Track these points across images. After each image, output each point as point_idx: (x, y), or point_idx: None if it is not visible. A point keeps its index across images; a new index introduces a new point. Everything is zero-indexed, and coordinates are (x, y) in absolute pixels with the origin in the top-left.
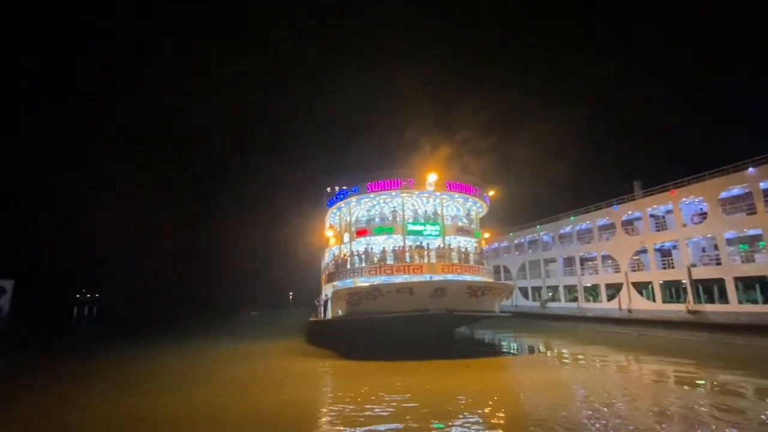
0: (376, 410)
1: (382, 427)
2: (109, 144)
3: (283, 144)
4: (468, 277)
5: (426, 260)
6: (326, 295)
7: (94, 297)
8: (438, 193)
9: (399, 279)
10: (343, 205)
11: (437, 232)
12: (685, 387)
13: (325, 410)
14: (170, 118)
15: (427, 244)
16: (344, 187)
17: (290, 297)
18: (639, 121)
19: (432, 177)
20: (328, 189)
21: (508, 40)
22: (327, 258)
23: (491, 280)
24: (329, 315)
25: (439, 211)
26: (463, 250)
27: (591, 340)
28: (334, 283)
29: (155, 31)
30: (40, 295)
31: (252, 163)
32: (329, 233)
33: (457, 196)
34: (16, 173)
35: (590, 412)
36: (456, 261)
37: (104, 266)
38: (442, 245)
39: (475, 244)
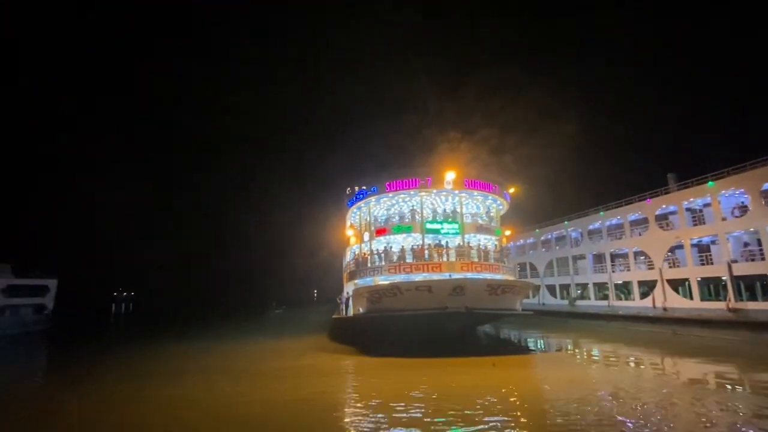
0: (398, 408)
1: (403, 417)
2: (144, 152)
3: (308, 145)
4: (488, 275)
5: (445, 258)
6: (347, 293)
7: (130, 295)
8: (456, 192)
9: (418, 277)
10: (362, 204)
11: (456, 231)
12: (727, 389)
13: (347, 406)
14: (204, 125)
15: (447, 242)
16: (363, 187)
17: (315, 294)
18: (671, 112)
19: (450, 175)
20: (348, 189)
21: (537, 29)
22: (348, 257)
23: (512, 278)
24: (351, 312)
25: (458, 210)
26: (483, 248)
27: (623, 339)
28: (355, 281)
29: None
30: (80, 293)
31: (279, 165)
32: (350, 232)
33: (476, 194)
34: (61, 181)
35: (623, 414)
36: (475, 259)
37: (139, 266)
38: (461, 243)
39: (496, 242)
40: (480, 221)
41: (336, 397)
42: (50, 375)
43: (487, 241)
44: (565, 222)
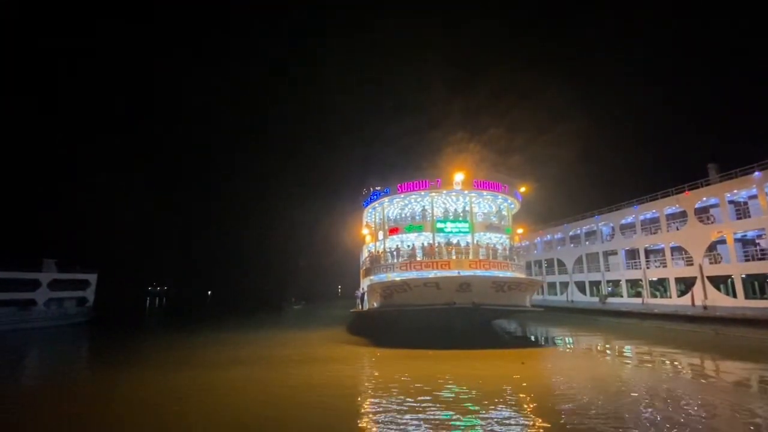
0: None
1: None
2: (172, 152)
3: (331, 144)
4: (497, 273)
5: (454, 256)
6: (363, 289)
7: (163, 289)
8: (467, 192)
9: (430, 274)
10: (377, 205)
11: (466, 229)
12: None
13: (349, 388)
14: (224, 124)
15: (458, 241)
16: (378, 188)
17: (339, 289)
18: (712, 100)
19: (459, 176)
20: (365, 190)
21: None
22: (364, 254)
23: (522, 276)
24: (366, 307)
25: (469, 209)
26: (493, 246)
27: (659, 339)
28: (371, 277)
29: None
30: (118, 287)
31: (297, 164)
32: (365, 231)
33: (485, 194)
34: (94, 180)
35: (656, 418)
36: (484, 257)
37: (170, 261)
38: (471, 242)
39: (508, 240)
40: (490, 220)
41: (343, 381)
42: (95, 361)
43: (498, 239)
44: (596, 216)
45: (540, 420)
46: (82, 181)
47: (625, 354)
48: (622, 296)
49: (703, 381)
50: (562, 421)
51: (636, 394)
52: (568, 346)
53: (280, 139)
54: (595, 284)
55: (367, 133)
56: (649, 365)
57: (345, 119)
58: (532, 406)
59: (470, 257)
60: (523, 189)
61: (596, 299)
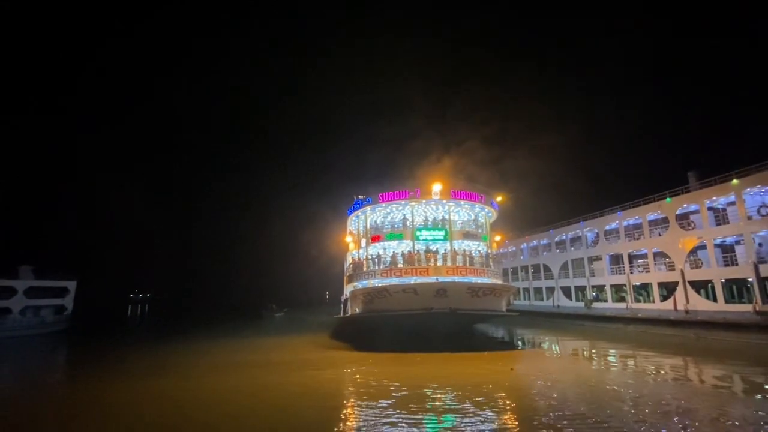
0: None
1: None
2: (158, 162)
3: (319, 153)
4: (473, 279)
5: (433, 263)
6: (346, 295)
7: (145, 296)
8: (445, 201)
9: (410, 281)
10: (360, 213)
11: (441, 237)
12: (755, 397)
13: (324, 389)
14: (211, 141)
15: (436, 248)
16: (361, 197)
17: (327, 295)
18: (691, 108)
19: (437, 187)
20: (356, 197)
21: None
22: (348, 261)
23: (499, 282)
24: (349, 312)
25: (447, 218)
26: (469, 253)
27: (643, 343)
28: (354, 283)
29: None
30: (99, 295)
31: (285, 172)
32: (349, 239)
33: (463, 203)
34: (82, 189)
35: (640, 420)
36: (461, 263)
37: (152, 269)
38: (449, 249)
39: (485, 248)
40: (468, 228)
41: (320, 383)
42: (67, 372)
43: (476, 246)
44: (581, 222)
45: (514, 417)
46: (62, 188)
47: (609, 358)
48: (606, 301)
49: (684, 384)
50: (545, 421)
51: (619, 395)
52: (555, 351)
53: (271, 148)
54: (581, 289)
55: (354, 141)
56: (633, 368)
57: (332, 128)
58: (512, 406)
59: (448, 264)
60: (499, 198)
61: (582, 304)
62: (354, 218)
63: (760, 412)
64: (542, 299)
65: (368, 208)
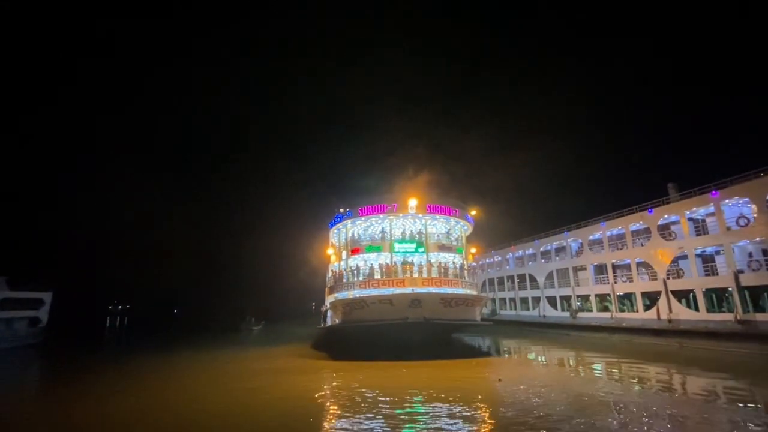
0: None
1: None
2: (140, 168)
3: (302, 161)
4: (447, 290)
5: (409, 275)
6: (326, 305)
7: (125, 308)
8: (420, 215)
9: (387, 292)
10: (341, 226)
11: (413, 250)
12: (738, 405)
13: (297, 395)
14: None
15: (413, 260)
16: (342, 211)
17: (313, 306)
18: (670, 122)
19: (413, 202)
20: (341, 210)
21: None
22: (329, 272)
23: (470, 292)
24: (330, 323)
25: (424, 231)
26: (444, 264)
27: (627, 352)
28: (335, 294)
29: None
30: (76, 307)
31: (270, 183)
32: (330, 251)
33: (438, 217)
34: (55, 194)
35: (622, 426)
36: (436, 275)
37: (132, 281)
38: (425, 261)
39: (461, 260)
40: (443, 241)
41: (296, 388)
42: (40, 389)
43: (451, 258)
44: (565, 232)
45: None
46: (37, 196)
47: (594, 367)
48: (591, 311)
49: (670, 394)
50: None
51: (604, 403)
52: (540, 360)
53: (252, 155)
54: (566, 299)
55: (337, 156)
56: (618, 382)
57: (313, 145)
58: (489, 410)
59: (423, 276)
60: (473, 212)
61: (567, 314)
62: (335, 231)
63: (741, 418)
64: (528, 309)
65: (348, 221)
